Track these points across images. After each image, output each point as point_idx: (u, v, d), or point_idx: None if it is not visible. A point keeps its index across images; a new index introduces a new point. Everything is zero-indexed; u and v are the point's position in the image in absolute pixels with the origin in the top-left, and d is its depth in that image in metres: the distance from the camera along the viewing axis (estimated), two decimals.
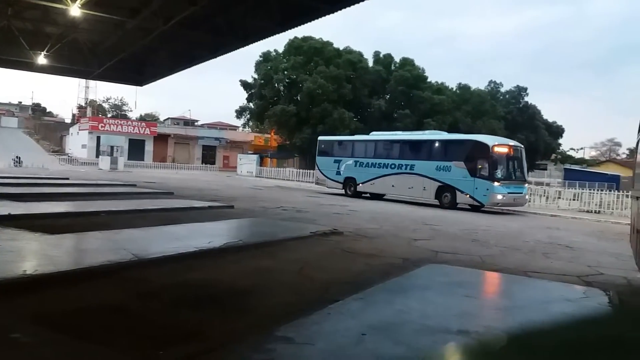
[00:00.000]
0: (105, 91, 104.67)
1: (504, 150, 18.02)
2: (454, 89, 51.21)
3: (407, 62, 47.56)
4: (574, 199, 22.24)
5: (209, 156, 58.82)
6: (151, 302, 4.49)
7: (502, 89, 56.47)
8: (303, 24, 15.98)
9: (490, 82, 56.43)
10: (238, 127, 65.10)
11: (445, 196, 18.71)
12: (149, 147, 54.76)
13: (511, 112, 53.59)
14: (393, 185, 20.75)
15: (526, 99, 56.57)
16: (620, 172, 41.81)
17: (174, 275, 5.48)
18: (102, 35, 19.77)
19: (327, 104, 42.48)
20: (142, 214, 10.57)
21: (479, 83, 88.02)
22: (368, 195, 22.03)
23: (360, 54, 47.07)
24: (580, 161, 66.50)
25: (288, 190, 25.18)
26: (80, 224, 8.39)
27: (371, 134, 24.16)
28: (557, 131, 59.48)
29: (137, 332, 3.68)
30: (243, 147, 57.73)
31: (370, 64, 47.54)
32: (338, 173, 23.32)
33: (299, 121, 44.06)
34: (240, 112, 50.98)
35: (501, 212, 18.53)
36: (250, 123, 56.93)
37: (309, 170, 39.41)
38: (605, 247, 10.32)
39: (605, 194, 22.10)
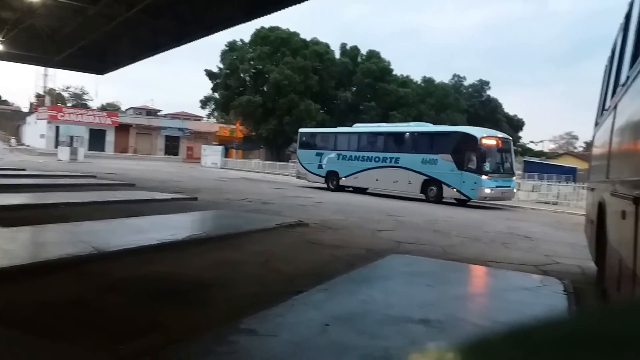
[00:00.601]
0: (64, 79, 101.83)
1: (493, 142, 17.56)
2: (419, 82, 51.78)
3: (373, 55, 47.81)
4: (532, 191, 22.89)
5: (172, 147, 57.79)
6: (111, 296, 4.39)
7: (466, 83, 57.46)
8: (270, 13, 15.81)
9: (454, 75, 57.34)
10: (202, 117, 64.17)
11: (431, 190, 18.19)
12: (110, 138, 53.43)
13: (474, 105, 54.58)
14: (377, 179, 20.13)
15: (488, 92, 57.74)
16: (577, 164, 43.16)
17: (136, 269, 5.39)
18: (62, 21, 19.10)
19: (294, 95, 42.35)
20: (103, 206, 10.33)
21: (443, 77, 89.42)
22: (351, 189, 21.48)
23: (327, 46, 47.04)
24: (540, 154, 68.32)
25: (254, 182, 25.02)
26: (38, 216, 8.12)
27: (354, 126, 23.66)
28: (517, 124, 60.92)
29: (97, 326, 3.60)
30: (207, 138, 56.93)
31: (337, 55, 47.59)
32: (320, 166, 22.62)
33: (265, 112, 43.80)
34: (204, 102, 50.32)
35: (484, 206, 17.79)
36: (215, 113, 56.25)
37: (275, 162, 39.31)
38: (562, 237, 10.67)
39: (563, 186, 22.86)
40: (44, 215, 8.23)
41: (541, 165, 43.21)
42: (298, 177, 24.69)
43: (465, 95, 55.51)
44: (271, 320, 3.86)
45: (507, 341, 0.51)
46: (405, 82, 49.04)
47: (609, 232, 4.27)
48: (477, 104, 55.36)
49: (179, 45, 20.06)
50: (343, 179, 21.52)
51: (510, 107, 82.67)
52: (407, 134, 20.17)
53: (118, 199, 11.61)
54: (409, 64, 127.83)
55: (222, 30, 17.65)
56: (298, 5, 14.38)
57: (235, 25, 16.98)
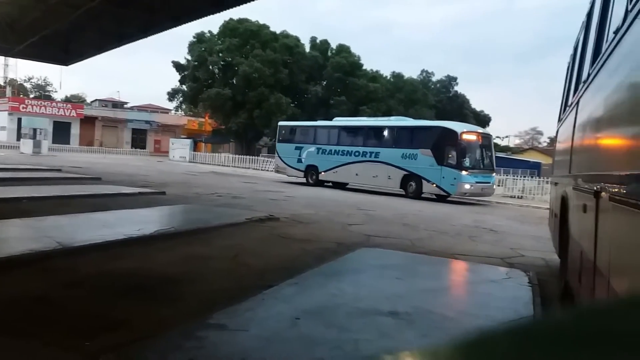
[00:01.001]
0: (27, 70, 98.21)
1: (473, 137, 17.46)
2: (388, 77, 52.14)
3: (343, 49, 47.84)
4: (498, 185, 23.37)
5: (139, 140, 56.70)
6: (77, 292, 4.30)
7: (434, 78, 58.12)
8: (239, 5, 15.61)
9: (423, 71, 57.91)
10: (170, 110, 63.12)
11: (410, 185, 18.04)
12: (75, 130, 52.09)
13: (442, 100, 55.27)
14: (357, 174, 19.90)
15: (456, 88, 58.56)
16: (542, 159, 44.30)
17: (101, 264, 5.28)
18: (23, 9, 18.42)
19: (264, 88, 42.07)
20: (68, 201, 10.07)
21: (412, 72, 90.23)
22: (330, 184, 21.32)
23: (297, 39, 46.83)
24: (505, 149, 69.71)
25: (223, 176, 24.80)
26: (0, 211, 7.88)
27: (335, 119, 23.38)
28: (484, 120, 61.91)
29: (62, 323, 3.52)
30: (175, 131, 56.07)
31: (307, 49, 47.44)
32: (299, 161, 22.24)
33: (235, 105, 43.39)
34: (172, 95, 49.50)
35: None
36: (183, 106, 55.44)
37: (245, 156, 39.02)
38: (526, 231, 10.95)
39: (528, 180, 23.38)
40: (6, 210, 7.98)
41: (506, 160, 44.12)
42: (277, 172, 24.25)
43: (434, 90, 56.18)
44: (241, 314, 3.85)
45: (504, 339, 0.51)
46: (375, 77, 49.30)
47: (571, 226, 4.40)
48: (444, 99, 56.08)
49: (145, 36, 19.66)
50: (322, 173, 21.26)
51: (477, 103, 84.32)
52: (388, 128, 19.93)
53: (83, 193, 11.35)
54: (379, 58, 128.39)
55: (190, 21, 17.38)
56: None
57: (203, 16, 16.75)
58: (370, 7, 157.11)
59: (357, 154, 19.96)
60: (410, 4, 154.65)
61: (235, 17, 45.21)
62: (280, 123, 25.29)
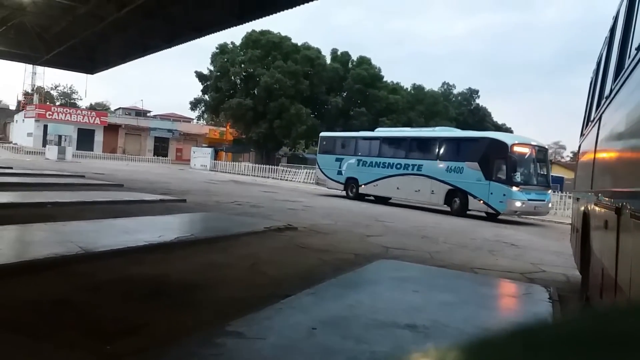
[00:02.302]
0: (53, 78, 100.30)
1: (525, 150, 15.96)
2: (409, 89, 52.07)
3: (364, 61, 48.00)
4: None
5: (161, 148, 57.50)
6: (98, 297, 4.38)
7: (455, 91, 57.87)
8: (261, 17, 15.83)
9: (444, 83, 57.73)
10: (192, 119, 63.97)
11: (455, 201, 16.69)
12: (98, 138, 53.05)
13: (463, 113, 54.96)
14: (398, 188, 18.73)
15: (477, 100, 58.22)
16: (564, 174, 43.57)
17: (123, 270, 5.37)
18: (52, 19, 18.95)
19: (285, 99, 42.38)
20: (91, 206, 10.26)
21: (432, 84, 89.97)
22: (372, 198, 20.23)
23: (318, 51, 47.15)
24: None
25: (243, 185, 24.98)
26: (24, 215, 8.06)
27: (376, 130, 22.61)
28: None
29: (83, 326, 3.59)
30: (197, 139, 56.71)
31: (328, 61, 47.71)
32: (339, 173, 21.28)
33: (256, 115, 43.76)
34: (194, 104, 50.17)
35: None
36: (205, 115, 56.11)
37: (264, 165, 39.26)
38: (548, 246, 10.79)
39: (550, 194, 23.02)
40: (30, 215, 8.16)
41: None
42: (317, 184, 23.60)
43: (455, 103, 55.92)
44: (258, 323, 3.88)
45: (509, 342, 0.53)
46: (395, 88, 49.30)
47: (592, 242, 4.34)
48: (465, 112, 55.75)
49: (169, 47, 19.99)
50: (362, 186, 20.26)
51: (499, 116, 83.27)
52: (431, 139, 18.71)
53: (106, 200, 11.53)
54: (400, 70, 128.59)
55: (212, 32, 17.63)
56: (289, 10, 14.42)
57: (226, 28, 16.97)
58: (391, 19, 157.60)
59: (398, 166, 18.85)
60: (432, 16, 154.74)
61: (258, 29, 45.74)
62: (322, 134, 24.47)
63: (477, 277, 6.77)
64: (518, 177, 15.53)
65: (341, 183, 21.31)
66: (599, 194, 3.88)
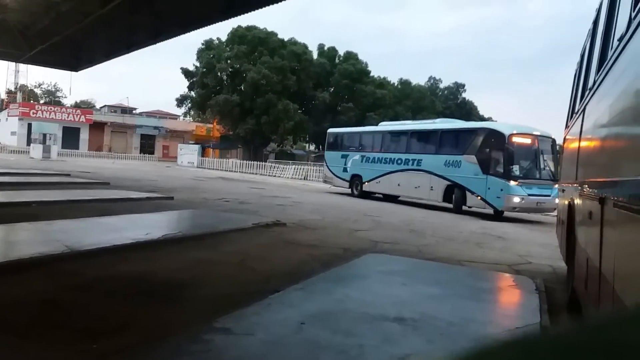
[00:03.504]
0: (37, 76, 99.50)
1: (525, 141, 14.61)
2: (396, 84, 52.26)
3: (350, 56, 48.05)
4: None
5: (147, 146, 57.06)
6: (84, 295, 4.34)
7: (441, 85, 58.20)
8: (247, 12, 15.71)
9: (430, 78, 58.19)
10: (179, 116, 63.57)
11: (454, 197, 15.55)
12: (84, 136, 52.54)
13: (450, 107, 55.27)
14: (399, 184, 17.66)
15: (464, 95, 58.61)
16: None
17: (109, 268, 5.32)
18: (34, 16, 18.66)
19: (272, 94, 42.30)
20: (76, 205, 10.15)
21: (419, 79, 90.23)
22: (380, 196, 19.12)
23: (304, 46, 47.10)
24: None
25: (231, 182, 24.88)
26: (9, 214, 7.95)
27: (380, 124, 21.66)
28: None
29: (69, 325, 3.56)
30: (184, 136, 56.38)
31: (315, 56, 47.68)
32: (345, 170, 20.43)
33: (243, 111, 43.63)
34: (181, 101, 49.91)
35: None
36: (192, 112, 55.86)
37: (252, 162, 39.14)
38: (535, 238, 10.90)
39: None
40: (15, 214, 8.06)
41: None
42: (325, 181, 22.84)
43: (441, 97, 56.27)
44: (247, 319, 3.87)
45: (508, 351, 0.52)
46: (382, 83, 49.46)
47: (577, 232, 4.39)
48: (452, 106, 56.07)
49: (154, 43, 19.82)
50: (366, 183, 19.34)
51: (485, 110, 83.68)
52: (429, 132, 17.72)
53: (92, 198, 11.43)
54: (386, 65, 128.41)
55: (198, 28, 17.51)
56: (275, 6, 14.34)
57: (212, 23, 16.86)
58: (378, 14, 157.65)
59: (399, 161, 17.86)
60: (419, 11, 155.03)
61: (244, 25, 45.54)
62: (329, 130, 23.55)
63: (465, 269, 6.82)
64: (517, 170, 14.23)
65: (346, 180, 20.48)
66: (583, 185, 3.92)
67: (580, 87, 5.28)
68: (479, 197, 14.70)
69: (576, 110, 5.37)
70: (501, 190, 14.10)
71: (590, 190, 3.44)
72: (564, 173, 7.07)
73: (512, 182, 14.02)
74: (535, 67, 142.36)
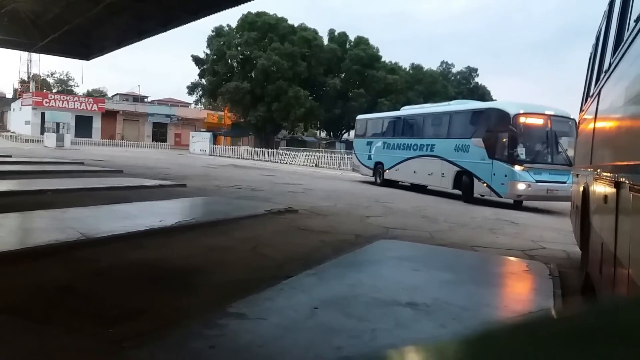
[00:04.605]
0: (49, 65, 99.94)
1: (534, 121, 13.21)
2: (407, 69, 51.74)
3: (361, 41, 47.58)
4: None
5: (159, 134, 57.38)
6: (100, 281, 4.40)
7: (454, 70, 57.51)
8: None
9: (442, 62, 57.37)
10: (190, 104, 63.63)
11: (464, 185, 14.43)
12: (96, 124, 52.92)
13: (462, 92, 54.62)
14: (415, 172, 16.85)
15: (477, 79, 57.87)
16: None
17: (124, 254, 5.39)
18: (45, 5, 18.75)
19: (282, 81, 42.10)
20: (91, 193, 10.26)
21: (431, 63, 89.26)
22: (408, 184, 17.92)
23: (315, 32, 46.72)
24: None
25: (243, 169, 24.97)
26: (25, 202, 8.06)
27: (402, 108, 20.66)
28: None
29: (85, 310, 3.61)
30: (195, 124, 56.55)
31: (326, 42, 47.29)
32: (369, 157, 19.77)
33: (254, 99, 43.53)
34: (192, 89, 49.83)
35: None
36: (203, 100, 55.80)
37: (263, 149, 39.19)
38: (548, 223, 10.82)
39: None
40: (31, 202, 8.17)
41: None
42: (353, 170, 22.30)
43: (454, 82, 55.62)
44: (260, 304, 3.90)
45: (511, 335, 0.52)
46: (394, 69, 48.96)
47: (592, 217, 4.35)
48: (465, 91, 55.42)
49: (164, 31, 19.79)
50: (387, 171, 18.54)
51: (498, 94, 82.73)
52: (441, 114, 16.60)
53: (106, 186, 11.54)
54: (398, 50, 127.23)
55: (208, 15, 17.42)
56: None
57: (221, 10, 16.77)
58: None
59: (415, 147, 16.97)
60: None
61: (254, 11, 45.26)
62: (358, 117, 23.03)
63: (478, 255, 6.80)
64: (522, 153, 12.91)
65: (371, 169, 19.80)
66: (598, 169, 3.88)
67: (595, 70, 5.19)
68: (485, 184, 13.60)
69: (591, 93, 5.29)
70: (505, 176, 12.94)
71: (606, 174, 3.40)
72: (578, 157, 6.99)
73: (517, 167, 12.77)
74: (549, 51, 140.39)
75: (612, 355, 0.45)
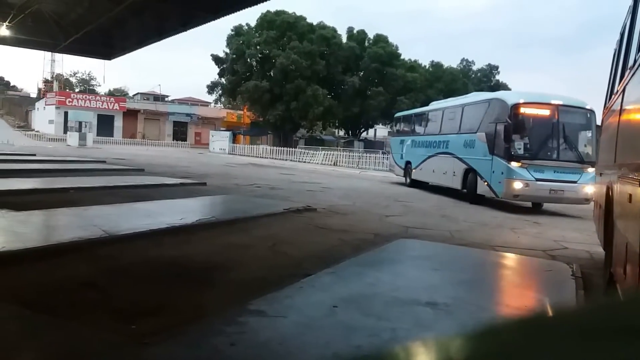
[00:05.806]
0: (72, 65, 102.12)
1: (536, 111, 11.75)
2: (427, 67, 51.35)
3: (380, 39, 47.37)
4: None
5: (180, 132, 57.96)
6: (122, 278, 4.47)
7: (474, 67, 56.87)
8: None
9: (463, 60, 56.72)
10: (210, 103, 64.19)
11: (469, 183, 13.25)
12: (118, 123, 53.66)
13: (483, 90, 53.95)
14: (434, 171, 15.74)
15: (497, 77, 57.16)
16: None
17: (145, 252, 5.46)
18: (68, 6, 19.09)
19: (301, 80, 42.15)
20: (112, 191, 10.41)
21: (451, 61, 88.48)
22: (436, 186, 16.27)
23: (333, 30, 46.65)
24: None
25: (262, 168, 25.08)
26: (49, 200, 8.22)
27: (431, 103, 19.14)
28: None
29: (108, 307, 3.67)
30: (215, 123, 56.98)
31: (344, 40, 47.19)
32: (401, 157, 18.86)
33: (273, 97, 43.67)
34: (211, 88, 50.22)
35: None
36: (222, 99, 56.19)
37: (282, 148, 39.29)
38: (570, 223, 10.65)
39: None
40: (54, 200, 8.32)
41: None
42: (390, 170, 21.24)
43: (474, 80, 55.01)
44: (280, 302, 3.92)
45: (517, 330, 0.52)
46: (413, 66, 48.65)
47: (616, 216, 4.27)
48: (485, 88, 54.71)
49: (185, 30, 19.96)
50: (414, 171, 17.39)
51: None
52: (454, 109, 15.49)
53: (127, 184, 11.69)
54: (417, 47, 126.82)
55: (228, 14, 17.52)
56: None
57: (241, 9, 16.85)
58: None
59: (435, 144, 15.89)
60: None
61: (273, 10, 45.39)
62: (397, 114, 21.94)
63: (499, 254, 6.73)
64: (520, 148, 11.54)
65: (402, 168, 18.73)
66: (623, 168, 3.81)
67: (620, 67, 5.09)
68: (485, 183, 12.34)
69: (615, 90, 5.19)
70: (502, 173, 11.62)
71: (630, 173, 3.33)
72: (601, 156, 6.86)
73: (514, 164, 11.40)
74: (571, 47, 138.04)
75: (616, 352, 0.45)
